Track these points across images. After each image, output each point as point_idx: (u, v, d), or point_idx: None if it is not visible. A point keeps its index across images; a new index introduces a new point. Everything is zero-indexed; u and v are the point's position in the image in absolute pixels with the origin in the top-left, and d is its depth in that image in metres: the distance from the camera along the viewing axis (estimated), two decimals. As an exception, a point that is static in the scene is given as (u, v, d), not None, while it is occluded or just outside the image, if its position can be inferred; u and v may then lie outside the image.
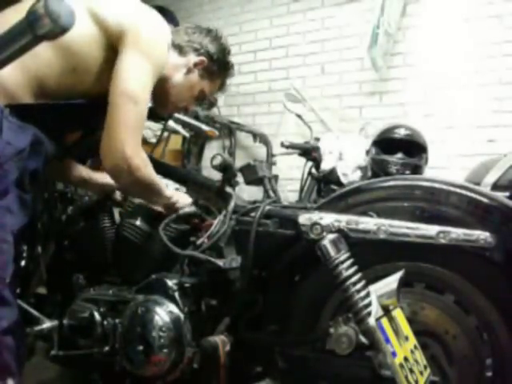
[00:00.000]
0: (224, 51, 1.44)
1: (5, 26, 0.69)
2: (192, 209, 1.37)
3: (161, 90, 1.33)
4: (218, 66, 1.43)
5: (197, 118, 3.28)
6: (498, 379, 1.08)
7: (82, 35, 1.13)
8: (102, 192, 1.51)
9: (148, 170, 1.22)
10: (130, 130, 1.15)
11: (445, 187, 1.11)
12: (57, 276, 1.53)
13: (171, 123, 2.02)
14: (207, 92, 1.45)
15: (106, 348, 1.32)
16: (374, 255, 1.16)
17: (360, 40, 3.32)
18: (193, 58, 1.38)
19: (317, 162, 2.89)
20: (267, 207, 1.28)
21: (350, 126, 3.32)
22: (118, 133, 1.14)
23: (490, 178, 2.13)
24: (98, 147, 1.18)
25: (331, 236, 1.09)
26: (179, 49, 1.39)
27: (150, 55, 1.18)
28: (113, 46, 1.17)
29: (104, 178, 1.45)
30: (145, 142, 3.05)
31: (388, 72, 3.31)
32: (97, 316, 1.35)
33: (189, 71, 1.38)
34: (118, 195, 1.52)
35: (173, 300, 1.26)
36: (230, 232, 1.27)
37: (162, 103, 1.41)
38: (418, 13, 3.25)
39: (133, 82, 1.15)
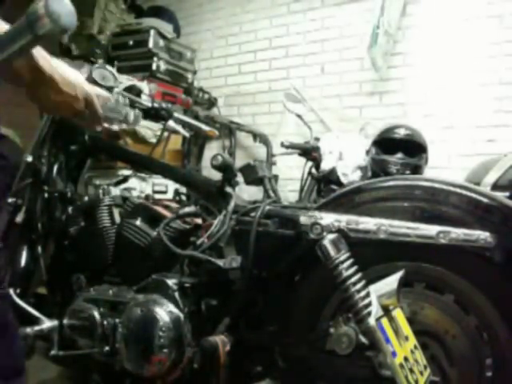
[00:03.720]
0: None
1: None
2: (192, 209, 1.37)
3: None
4: None
5: (197, 118, 3.28)
6: (498, 379, 1.08)
7: None
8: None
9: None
10: None
11: (445, 187, 1.11)
12: (57, 276, 1.53)
13: (171, 123, 2.02)
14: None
15: (106, 348, 1.32)
16: (374, 255, 1.16)
17: (360, 40, 3.32)
18: None
19: (317, 162, 2.90)
20: (267, 207, 1.28)
21: (350, 125, 3.32)
22: None
23: (490, 178, 2.13)
24: None
25: (331, 236, 1.09)
26: None
27: None
28: None
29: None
30: (145, 141, 3.06)
31: (388, 72, 3.31)
32: (97, 316, 1.35)
33: None
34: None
35: (173, 300, 1.26)
36: (230, 232, 1.27)
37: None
38: (417, 13, 3.25)
39: None
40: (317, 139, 2.98)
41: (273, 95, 3.81)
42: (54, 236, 1.54)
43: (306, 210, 1.20)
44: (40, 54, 0.93)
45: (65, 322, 1.38)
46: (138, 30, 3.77)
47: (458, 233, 1.02)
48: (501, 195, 1.29)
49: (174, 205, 1.55)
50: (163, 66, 3.75)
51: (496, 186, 2.07)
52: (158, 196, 1.90)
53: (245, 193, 2.61)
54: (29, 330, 1.33)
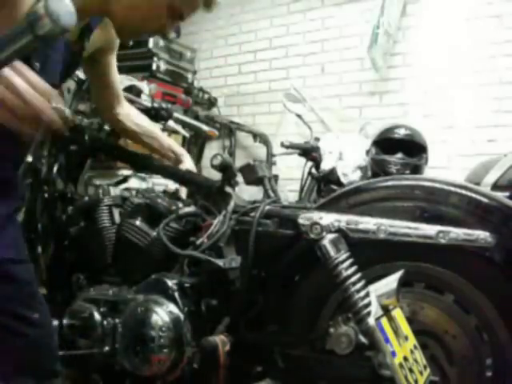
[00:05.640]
0: None
1: None
2: (192, 209, 1.37)
3: (110, 11, 1.06)
4: None
5: (197, 118, 3.29)
6: (498, 379, 1.08)
7: None
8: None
9: None
10: None
11: (445, 187, 1.11)
12: (57, 276, 1.53)
13: (171, 123, 2.02)
14: (181, 6, 1.14)
15: (106, 348, 1.32)
16: (373, 255, 1.16)
17: (360, 40, 3.32)
18: None
19: (317, 162, 2.90)
20: (267, 207, 1.28)
21: (350, 125, 3.32)
22: None
23: (490, 177, 2.13)
24: None
25: (331, 236, 1.09)
26: None
27: None
28: None
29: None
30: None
31: (388, 72, 3.31)
32: (97, 316, 1.35)
33: None
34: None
35: (173, 300, 1.26)
36: (230, 232, 1.27)
37: (120, 30, 1.12)
38: (417, 13, 3.25)
39: None
40: (317, 139, 2.98)
41: (273, 95, 3.81)
42: (54, 236, 1.54)
43: (305, 210, 1.20)
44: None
45: (65, 322, 1.38)
46: (138, 30, 3.76)
47: (457, 233, 1.02)
48: (501, 195, 1.30)
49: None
50: (163, 66, 3.75)
51: (496, 186, 2.08)
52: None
53: (245, 193, 2.61)
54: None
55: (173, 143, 1.58)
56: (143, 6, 1.06)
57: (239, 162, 2.93)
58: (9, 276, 1.14)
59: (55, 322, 1.37)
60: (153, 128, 1.58)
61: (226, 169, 1.35)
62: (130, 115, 1.49)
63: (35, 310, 1.18)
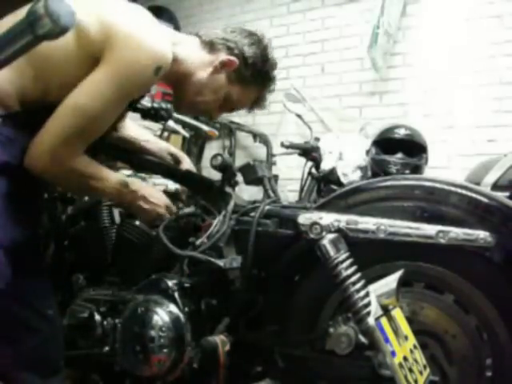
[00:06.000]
0: (264, 58, 1.27)
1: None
2: (192, 209, 1.38)
3: (180, 87, 1.27)
4: (252, 73, 1.26)
5: (197, 118, 3.28)
6: (498, 379, 1.08)
7: (60, 48, 1.03)
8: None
9: (76, 163, 1.11)
10: (61, 139, 1.05)
11: (445, 187, 1.11)
12: (57, 276, 1.53)
13: (171, 123, 2.03)
14: (235, 99, 1.30)
15: (106, 348, 1.32)
16: (373, 255, 1.16)
17: (360, 40, 3.32)
18: (222, 56, 1.24)
19: (317, 162, 2.90)
20: (267, 207, 1.28)
21: (350, 125, 3.32)
22: (46, 139, 1.06)
23: (490, 177, 2.13)
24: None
25: (331, 236, 1.09)
26: (210, 45, 1.25)
27: (122, 77, 1.06)
28: (97, 58, 1.07)
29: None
30: (145, 142, 3.05)
31: (388, 72, 3.31)
32: (97, 316, 1.35)
33: (215, 71, 1.24)
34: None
35: (173, 300, 1.26)
36: (230, 232, 1.27)
37: (179, 100, 1.32)
38: (418, 13, 3.25)
39: (85, 98, 1.06)
40: (317, 139, 2.98)
41: (273, 95, 3.80)
42: (54, 236, 1.54)
43: (305, 210, 1.20)
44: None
45: (65, 321, 1.38)
46: (138, 30, 3.76)
47: (457, 232, 1.02)
48: (501, 195, 1.30)
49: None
50: (163, 66, 3.74)
51: (496, 186, 2.08)
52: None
53: (245, 193, 2.61)
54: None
55: (169, 145, 1.58)
56: (208, 91, 1.26)
57: (239, 161, 2.94)
58: (34, 270, 1.16)
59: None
60: (145, 131, 1.58)
61: (225, 169, 1.36)
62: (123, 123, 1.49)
63: (51, 305, 1.21)
